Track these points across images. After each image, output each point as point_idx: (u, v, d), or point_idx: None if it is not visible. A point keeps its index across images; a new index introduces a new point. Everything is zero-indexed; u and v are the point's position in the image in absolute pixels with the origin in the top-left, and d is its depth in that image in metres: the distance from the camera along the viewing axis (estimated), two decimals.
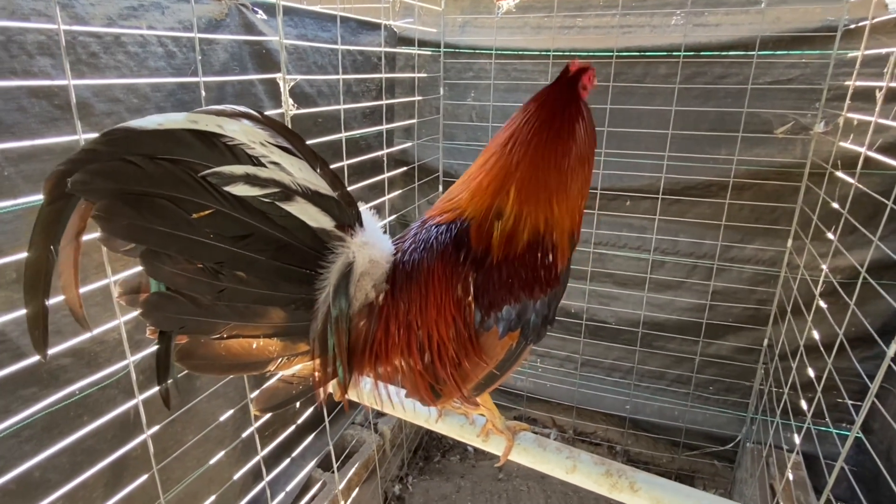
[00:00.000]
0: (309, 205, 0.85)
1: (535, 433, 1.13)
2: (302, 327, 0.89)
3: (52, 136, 1.27)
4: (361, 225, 0.92)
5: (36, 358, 1.22)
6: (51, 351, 1.24)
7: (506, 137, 1.02)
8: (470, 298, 0.95)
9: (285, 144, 0.82)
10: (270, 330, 0.87)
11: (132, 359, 1.26)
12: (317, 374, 0.93)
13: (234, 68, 1.76)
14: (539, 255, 0.98)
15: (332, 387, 0.96)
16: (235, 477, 1.80)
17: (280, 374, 0.97)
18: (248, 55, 1.79)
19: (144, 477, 1.43)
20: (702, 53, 2.17)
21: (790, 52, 2.06)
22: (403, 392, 1.04)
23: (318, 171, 0.86)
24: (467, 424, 1.19)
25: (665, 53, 2.23)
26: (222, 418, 1.70)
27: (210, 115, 0.77)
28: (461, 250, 0.96)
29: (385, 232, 0.99)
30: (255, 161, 0.79)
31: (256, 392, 1.00)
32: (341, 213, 0.88)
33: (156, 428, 1.41)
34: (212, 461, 1.69)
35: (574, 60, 1.06)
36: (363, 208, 0.94)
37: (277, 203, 0.82)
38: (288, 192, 0.82)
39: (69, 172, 0.68)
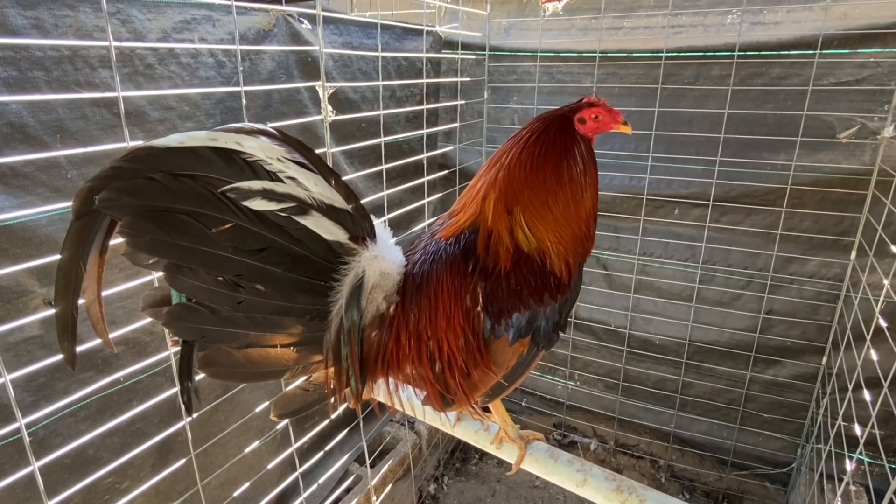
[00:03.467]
0: (324, 218, 0.87)
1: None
2: (317, 337, 0.92)
3: (110, 143, 1.38)
4: (374, 237, 0.94)
5: (94, 343, 1.34)
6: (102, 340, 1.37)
7: (502, 151, 1.04)
8: (479, 308, 0.96)
9: (301, 160, 0.85)
10: (287, 340, 0.91)
11: (174, 350, 1.36)
12: (331, 382, 0.96)
13: (281, 76, 1.84)
14: (548, 263, 0.98)
15: (347, 394, 1.00)
16: (269, 466, 1.89)
17: (298, 381, 1.01)
18: (294, 63, 1.87)
19: (183, 461, 1.53)
20: (759, 53, 2.05)
21: (858, 51, 1.91)
22: (420, 398, 1.07)
23: (333, 184, 0.89)
24: (482, 430, 1.20)
25: (719, 54, 2.11)
26: (258, 409, 1.80)
27: (229, 132, 0.81)
28: (469, 261, 0.97)
29: (397, 242, 1.01)
30: (272, 176, 0.82)
31: (274, 398, 1.04)
32: (355, 226, 0.90)
33: (194, 415, 1.50)
34: (247, 450, 1.78)
35: (589, 95, 1.06)
36: (377, 222, 0.96)
37: (294, 217, 0.84)
38: (304, 206, 0.85)
39: (97, 189, 0.72)
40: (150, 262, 0.81)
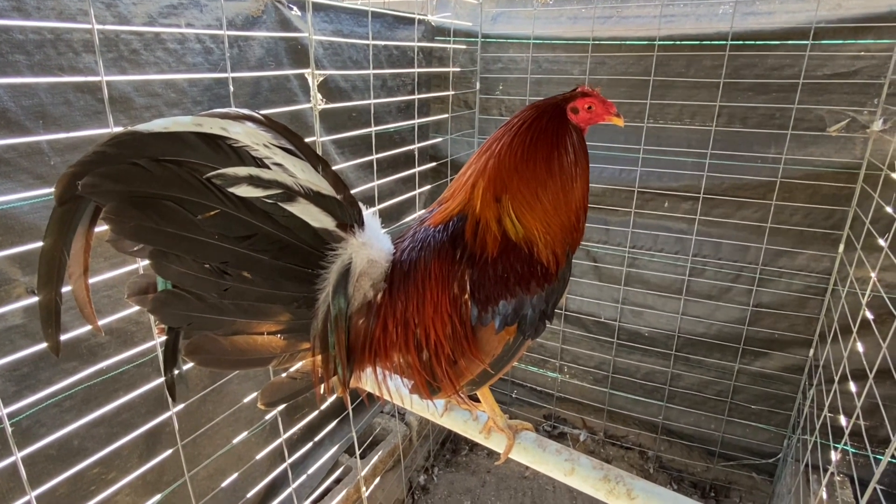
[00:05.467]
0: (311, 205, 0.86)
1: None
2: (304, 325, 0.92)
3: (95, 129, 1.35)
4: (362, 225, 0.93)
5: (79, 332, 1.33)
6: (88, 328, 1.35)
7: (493, 139, 1.02)
8: (466, 296, 0.95)
9: (288, 146, 0.84)
10: (274, 327, 0.90)
11: (161, 339, 1.34)
12: (318, 370, 0.95)
13: (270, 64, 1.81)
14: (535, 252, 0.97)
15: (334, 382, 0.99)
16: (258, 457, 1.89)
17: (287, 370, 1.00)
18: (283, 51, 1.84)
19: (170, 451, 1.52)
20: (752, 43, 2.04)
21: (850, 42, 1.90)
22: (407, 387, 1.06)
23: (321, 171, 0.88)
24: (471, 420, 1.20)
25: (712, 42, 2.10)
26: (246, 400, 1.78)
27: (215, 117, 0.80)
28: (457, 248, 0.97)
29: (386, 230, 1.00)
30: (258, 163, 0.81)
31: (261, 388, 1.03)
32: (343, 213, 0.90)
33: (181, 406, 1.49)
34: (235, 440, 1.77)
35: (582, 85, 1.04)
36: (366, 211, 0.96)
37: (280, 204, 0.83)
38: (291, 193, 0.84)
39: (80, 175, 0.71)
40: (135, 248, 0.79)
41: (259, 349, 0.91)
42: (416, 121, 2.27)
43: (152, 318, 0.86)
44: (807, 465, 2.02)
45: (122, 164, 0.73)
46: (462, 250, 0.96)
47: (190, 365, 0.91)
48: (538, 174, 0.97)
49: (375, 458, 2.41)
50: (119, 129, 0.85)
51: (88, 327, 1.32)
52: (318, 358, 0.94)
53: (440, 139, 2.67)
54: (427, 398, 1.02)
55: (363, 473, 2.25)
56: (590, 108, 1.01)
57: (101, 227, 0.77)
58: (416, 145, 2.25)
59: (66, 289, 0.78)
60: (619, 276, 2.60)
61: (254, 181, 0.80)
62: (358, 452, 2.17)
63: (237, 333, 0.88)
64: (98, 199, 0.73)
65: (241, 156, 0.80)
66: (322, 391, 0.98)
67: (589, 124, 1.03)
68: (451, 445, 3.10)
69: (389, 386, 1.05)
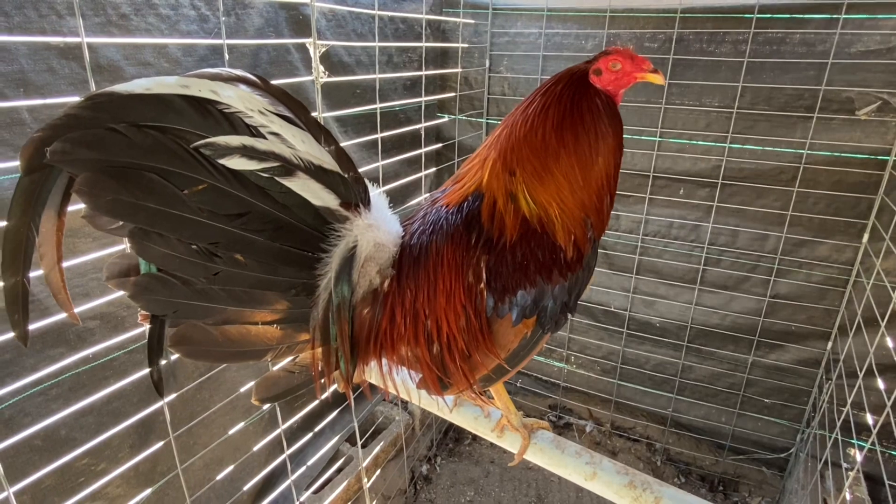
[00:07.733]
0: (312, 181, 0.78)
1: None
2: (303, 314, 0.84)
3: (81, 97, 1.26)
4: (368, 204, 0.84)
5: (62, 316, 1.24)
6: (78, 310, 1.27)
7: (513, 114, 0.94)
8: (482, 285, 0.87)
9: (287, 113, 0.76)
10: (269, 316, 0.82)
11: (149, 326, 1.26)
12: (318, 364, 0.87)
13: (270, 34, 1.71)
14: (555, 234, 0.88)
15: (336, 377, 0.91)
16: (255, 448, 1.82)
17: (282, 363, 0.92)
18: (284, 20, 1.74)
19: (162, 443, 1.45)
20: (778, 17, 1.92)
21: (886, 17, 1.78)
22: (415, 380, 0.98)
23: (323, 143, 0.79)
24: (482, 417, 1.12)
25: (736, 16, 1.98)
26: (244, 389, 1.71)
27: (204, 78, 0.71)
28: (472, 232, 0.88)
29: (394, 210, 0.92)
30: (252, 131, 0.73)
31: (255, 381, 0.95)
32: (347, 191, 0.82)
33: (173, 396, 1.42)
34: (231, 431, 1.70)
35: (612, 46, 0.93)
36: (373, 189, 0.87)
37: (277, 178, 0.75)
38: (289, 167, 0.76)
39: (49, 140, 0.62)
40: (114, 226, 0.71)
41: (253, 340, 0.83)
42: (424, 98, 2.16)
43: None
44: (825, 462, 1.95)
45: (97, 128, 0.65)
46: (478, 234, 0.87)
47: (178, 356, 0.84)
48: (548, 143, 0.87)
49: (377, 447, 2.35)
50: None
51: (77, 311, 1.25)
52: (319, 351, 0.86)
53: (446, 119, 2.56)
54: (437, 394, 0.94)
55: (365, 463, 2.19)
56: (615, 66, 0.89)
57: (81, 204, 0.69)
58: (423, 124, 2.15)
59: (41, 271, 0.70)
60: (630, 264, 2.51)
61: (247, 152, 0.72)
62: (359, 442, 2.11)
63: (228, 323, 0.80)
64: (69, 168, 0.65)
65: (233, 123, 0.71)
66: (322, 386, 0.90)
67: (619, 87, 0.91)
68: (454, 434, 3.05)
69: (396, 380, 0.97)
